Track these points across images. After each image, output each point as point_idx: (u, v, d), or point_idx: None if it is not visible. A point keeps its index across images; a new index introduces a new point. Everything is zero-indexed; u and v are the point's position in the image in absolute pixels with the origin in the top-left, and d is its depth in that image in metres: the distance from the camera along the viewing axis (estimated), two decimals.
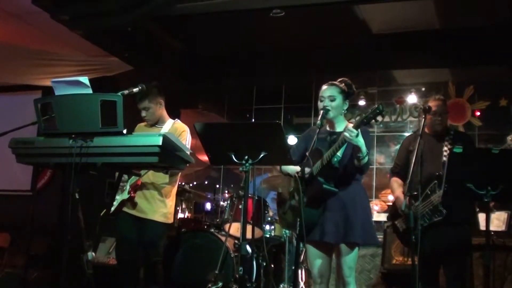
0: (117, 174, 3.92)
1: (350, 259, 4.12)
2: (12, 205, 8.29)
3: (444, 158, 4.67)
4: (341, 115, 4.29)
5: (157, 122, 5.12)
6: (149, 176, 4.93)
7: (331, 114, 4.17)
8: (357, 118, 4.09)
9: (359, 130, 3.84)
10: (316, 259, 4.24)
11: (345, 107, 4.28)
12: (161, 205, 4.97)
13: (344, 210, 4.09)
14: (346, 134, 3.82)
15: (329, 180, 4.10)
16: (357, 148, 3.94)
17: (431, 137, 4.80)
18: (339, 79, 4.31)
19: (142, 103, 5.02)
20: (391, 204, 5.41)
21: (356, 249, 4.15)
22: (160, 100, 5.09)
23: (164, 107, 5.17)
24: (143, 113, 5.06)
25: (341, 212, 4.09)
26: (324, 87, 4.26)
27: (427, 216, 4.48)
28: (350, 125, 3.90)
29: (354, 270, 4.18)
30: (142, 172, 4.85)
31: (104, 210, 5.08)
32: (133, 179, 4.92)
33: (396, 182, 5.02)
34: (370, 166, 9.02)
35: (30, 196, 8.43)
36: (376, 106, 3.86)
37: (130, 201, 4.94)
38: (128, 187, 4.95)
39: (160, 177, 4.97)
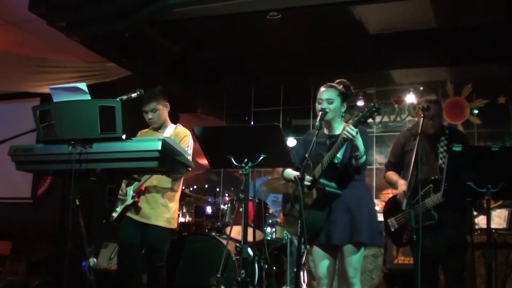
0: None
1: (356, 259, 4.11)
2: (13, 213, 8.31)
3: (440, 161, 4.67)
4: (339, 118, 4.29)
5: (160, 127, 5.11)
6: (153, 180, 4.93)
7: (329, 116, 4.18)
8: (355, 117, 4.09)
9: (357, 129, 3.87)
10: (322, 260, 4.23)
11: (343, 109, 4.28)
12: (164, 210, 4.95)
13: (350, 212, 4.09)
14: (346, 132, 3.84)
15: (331, 181, 4.11)
16: (355, 147, 3.95)
17: (426, 137, 4.78)
18: (337, 81, 4.31)
19: (150, 105, 4.98)
20: (385, 201, 5.40)
21: (362, 249, 4.14)
22: (166, 103, 5.09)
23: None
24: (150, 115, 5.02)
25: (347, 213, 4.09)
26: (322, 89, 4.26)
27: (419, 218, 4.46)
28: (348, 125, 3.92)
29: (359, 271, 4.16)
30: (144, 177, 4.84)
31: (109, 218, 5.10)
32: (137, 184, 4.91)
33: (393, 174, 5.02)
34: (370, 166, 9.10)
35: (31, 204, 8.44)
36: (372, 104, 3.88)
37: (134, 206, 4.92)
38: (131, 192, 4.93)
39: (163, 182, 4.96)
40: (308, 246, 4.44)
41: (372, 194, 4.40)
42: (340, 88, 4.24)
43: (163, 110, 5.06)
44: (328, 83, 4.28)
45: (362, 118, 3.89)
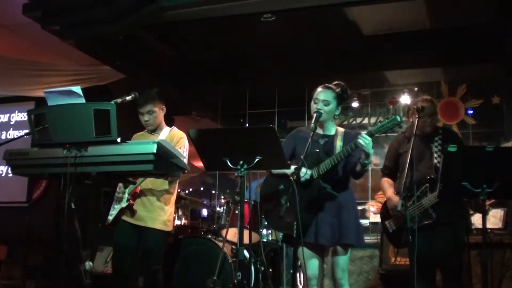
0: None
1: (344, 261, 4.16)
2: (8, 217, 8.29)
3: (435, 161, 4.67)
4: (331, 120, 4.32)
5: (155, 130, 5.10)
6: (148, 183, 4.91)
7: (323, 117, 4.19)
8: (375, 126, 4.07)
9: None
10: (310, 260, 4.23)
11: (337, 112, 4.29)
12: (161, 213, 4.92)
13: (341, 213, 4.12)
14: (361, 141, 3.87)
15: (328, 183, 4.13)
16: (365, 155, 3.96)
17: (420, 137, 4.77)
18: (335, 82, 4.30)
19: (146, 107, 4.95)
20: (381, 202, 5.43)
21: (349, 251, 4.19)
22: (162, 106, 5.07)
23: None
24: (146, 117, 4.98)
25: (337, 215, 4.11)
26: (319, 89, 4.25)
27: (417, 218, 4.46)
28: (360, 133, 3.95)
29: (347, 272, 4.20)
30: (138, 180, 4.83)
31: (104, 223, 5.08)
32: (132, 186, 4.88)
33: (387, 182, 5.02)
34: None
35: (26, 208, 8.42)
36: (394, 117, 3.90)
37: (129, 209, 4.89)
38: (126, 195, 4.91)
39: (159, 184, 4.94)
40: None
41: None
42: (337, 91, 4.24)
43: (159, 112, 5.04)
44: (326, 84, 4.28)
45: (381, 128, 3.91)
